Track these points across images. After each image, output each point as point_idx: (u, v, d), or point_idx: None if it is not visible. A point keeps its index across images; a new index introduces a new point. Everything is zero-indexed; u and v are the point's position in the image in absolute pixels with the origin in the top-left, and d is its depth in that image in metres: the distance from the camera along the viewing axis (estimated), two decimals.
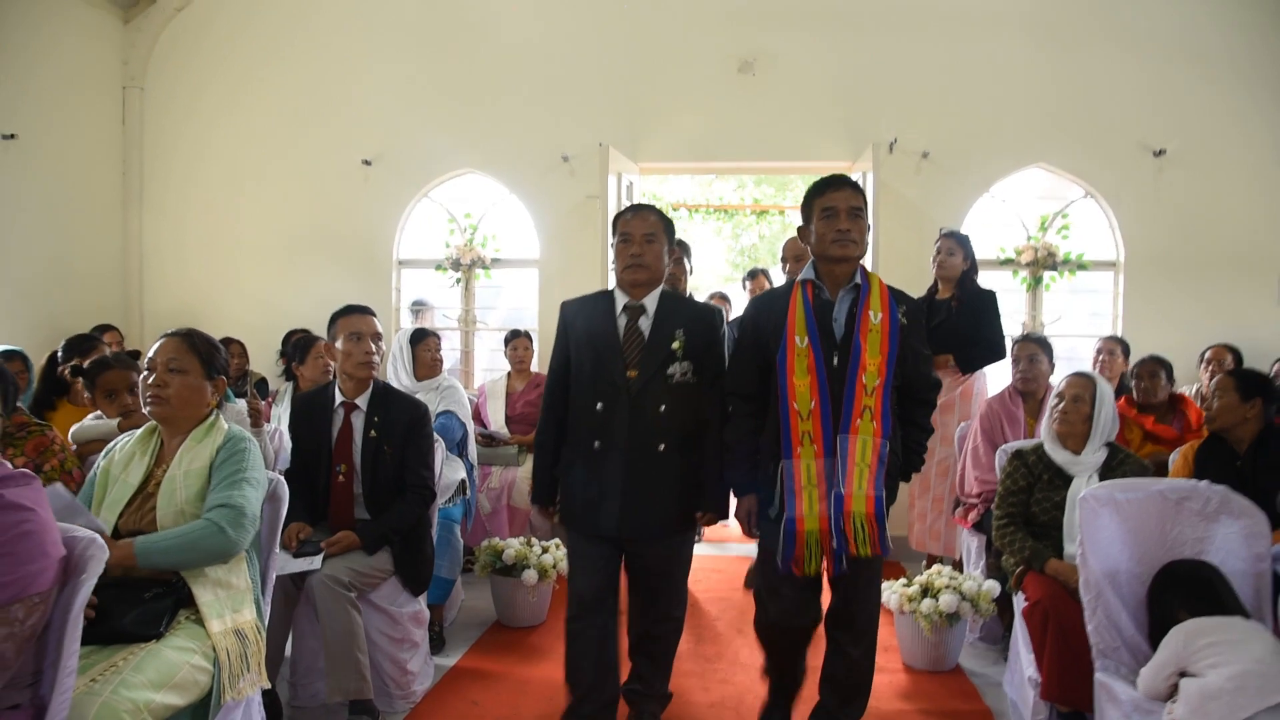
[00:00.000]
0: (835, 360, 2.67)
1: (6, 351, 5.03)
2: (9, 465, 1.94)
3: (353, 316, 3.43)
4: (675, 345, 2.84)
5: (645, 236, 2.89)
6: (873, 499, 2.60)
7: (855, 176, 5.79)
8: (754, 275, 6.32)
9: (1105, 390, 3.34)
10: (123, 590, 2.21)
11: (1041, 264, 5.87)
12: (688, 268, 4.60)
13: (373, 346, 3.39)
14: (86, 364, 3.51)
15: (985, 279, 5.70)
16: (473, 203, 6.42)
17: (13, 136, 5.48)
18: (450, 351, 6.26)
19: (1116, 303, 5.84)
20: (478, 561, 4.25)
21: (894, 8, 5.84)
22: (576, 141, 6.00)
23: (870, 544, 2.60)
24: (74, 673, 1.86)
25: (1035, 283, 5.91)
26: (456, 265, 6.30)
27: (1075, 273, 5.88)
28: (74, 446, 3.28)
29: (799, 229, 2.87)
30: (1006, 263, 5.94)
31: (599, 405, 2.85)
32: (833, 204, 2.69)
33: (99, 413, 3.47)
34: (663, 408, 2.83)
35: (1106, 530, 2.71)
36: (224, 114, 6.46)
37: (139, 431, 2.62)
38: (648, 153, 6.03)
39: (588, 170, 5.87)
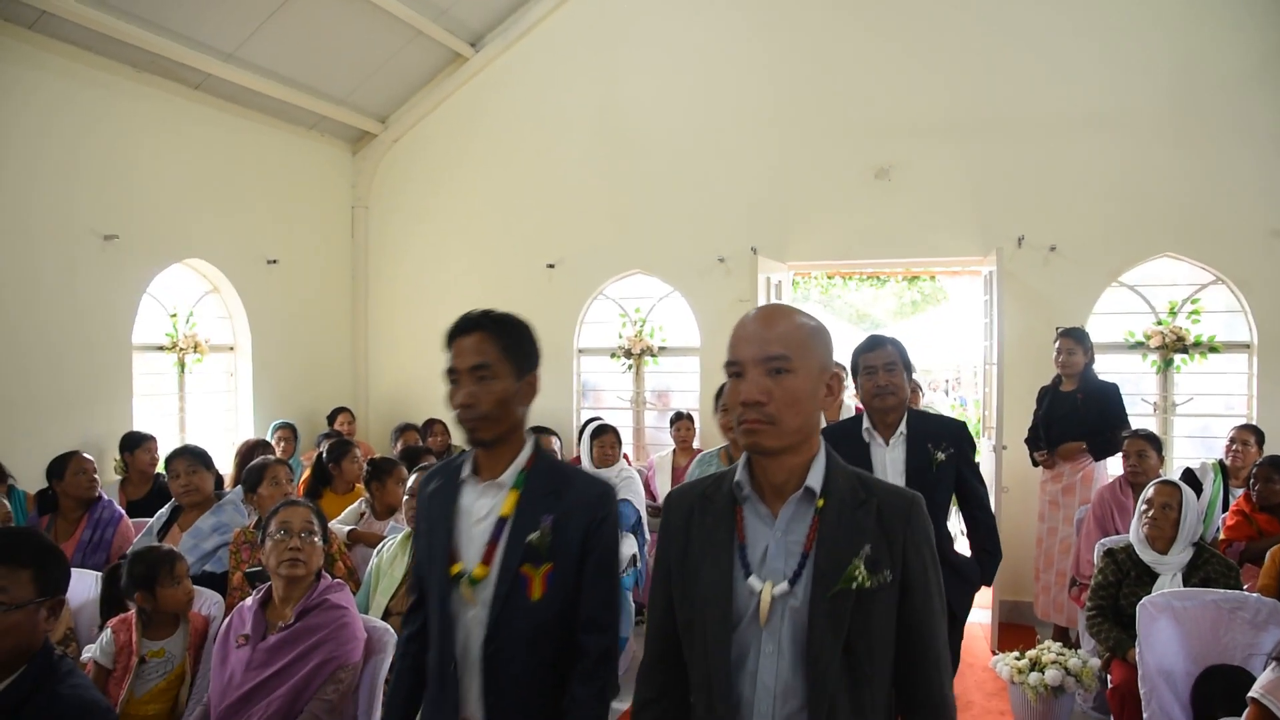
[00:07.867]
0: None
1: (281, 424, 6.43)
2: (329, 577, 2.93)
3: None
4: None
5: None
6: None
7: (984, 271, 6.27)
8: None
9: (1190, 498, 3.80)
10: None
11: (1171, 348, 6.04)
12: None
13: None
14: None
15: (1115, 362, 6.09)
16: (642, 299, 7.33)
17: (275, 261, 6.84)
18: (624, 429, 7.13)
19: (1251, 384, 5.95)
20: (647, 619, 5.05)
21: (1018, 114, 6.27)
22: (731, 244, 6.79)
23: None
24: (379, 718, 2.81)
25: (1166, 365, 6.11)
26: (628, 354, 7.22)
27: (1207, 355, 6.03)
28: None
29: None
30: (1136, 346, 6.17)
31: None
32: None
33: (355, 504, 4.56)
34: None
35: (1164, 634, 3.21)
36: (432, 227, 7.69)
37: (400, 535, 3.60)
38: (795, 253, 6.74)
39: (741, 270, 6.64)
